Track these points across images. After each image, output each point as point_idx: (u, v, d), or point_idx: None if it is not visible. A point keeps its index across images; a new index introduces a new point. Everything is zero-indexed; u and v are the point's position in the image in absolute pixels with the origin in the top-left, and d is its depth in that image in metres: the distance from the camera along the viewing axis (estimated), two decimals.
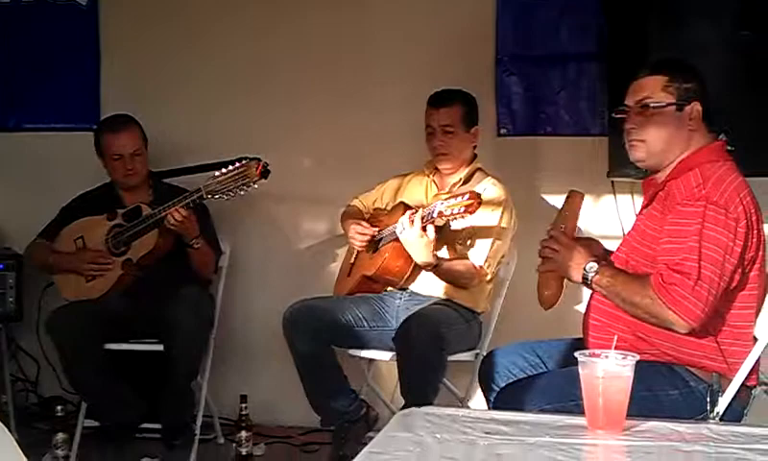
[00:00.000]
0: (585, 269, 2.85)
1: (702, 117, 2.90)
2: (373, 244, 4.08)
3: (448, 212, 3.59)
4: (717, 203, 2.72)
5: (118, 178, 4.31)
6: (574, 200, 3.08)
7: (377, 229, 4.06)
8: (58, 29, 4.93)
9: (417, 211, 3.72)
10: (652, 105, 2.91)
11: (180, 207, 3.98)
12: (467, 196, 3.56)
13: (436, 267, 3.80)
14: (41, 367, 4.81)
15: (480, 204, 3.56)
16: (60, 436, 4.09)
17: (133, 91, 4.79)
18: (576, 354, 2.32)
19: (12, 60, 4.98)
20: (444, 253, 3.89)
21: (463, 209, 3.55)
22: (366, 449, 2.14)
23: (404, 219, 3.73)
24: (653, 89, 2.93)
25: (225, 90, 4.82)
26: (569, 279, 2.95)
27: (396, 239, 3.87)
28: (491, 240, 3.89)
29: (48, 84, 4.96)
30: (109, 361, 4.06)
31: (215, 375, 4.43)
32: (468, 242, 3.91)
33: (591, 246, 3.05)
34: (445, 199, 3.66)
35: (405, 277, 3.98)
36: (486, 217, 3.88)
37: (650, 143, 2.93)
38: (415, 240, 3.70)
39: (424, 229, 3.67)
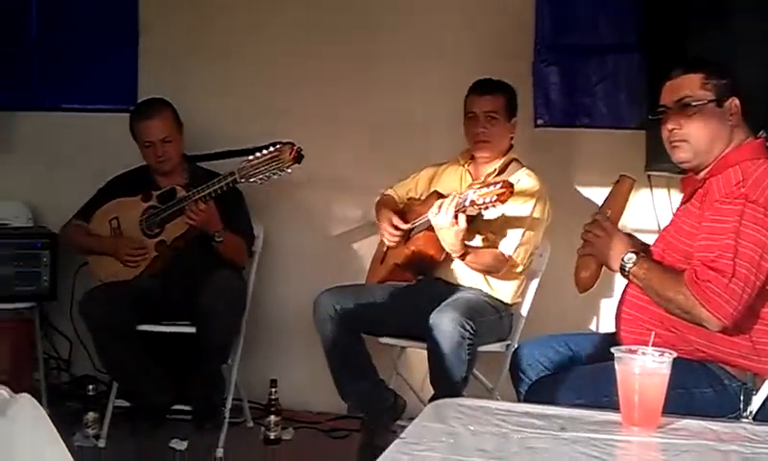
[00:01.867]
0: (623, 259, 2.86)
1: (744, 111, 2.87)
2: (406, 233, 4.07)
3: (480, 201, 3.58)
4: (756, 201, 2.70)
5: (152, 163, 4.33)
6: (623, 185, 3.05)
7: (410, 223, 4.05)
8: (96, 9, 4.95)
9: (451, 198, 3.71)
10: (693, 103, 2.89)
11: (198, 199, 3.99)
12: (499, 185, 3.56)
13: (464, 255, 3.80)
14: (74, 346, 4.84)
15: (512, 193, 3.55)
16: (91, 415, 4.16)
17: (171, 73, 4.81)
18: (613, 350, 2.31)
19: (49, 41, 4.99)
20: (476, 241, 3.88)
21: (495, 198, 3.54)
22: (399, 440, 2.13)
23: (438, 204, 3.73)
24: (691, 87, 2.91)
25: (261, 74, 4.84)
26: (607, 267, 2.94)
27: (429, 227, 3.87)
28: (522, 230, 3.88)
29: (85, 65, 4.98)
30: (142, 342, 4.07)
31: (245, 358, 4.43)
32: (501, 232, 3.89)
33: (633, 238, 3.03)
34: (478, 188, 3.66)
35: (437, 264, 3.98)
36: (519, 208, 3.86)
37: (694, 142, 2.91)
38: (446, 227, 3.70)
39: (456, 217, 3.67)
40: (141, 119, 4.30)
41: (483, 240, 3.90)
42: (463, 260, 3.83)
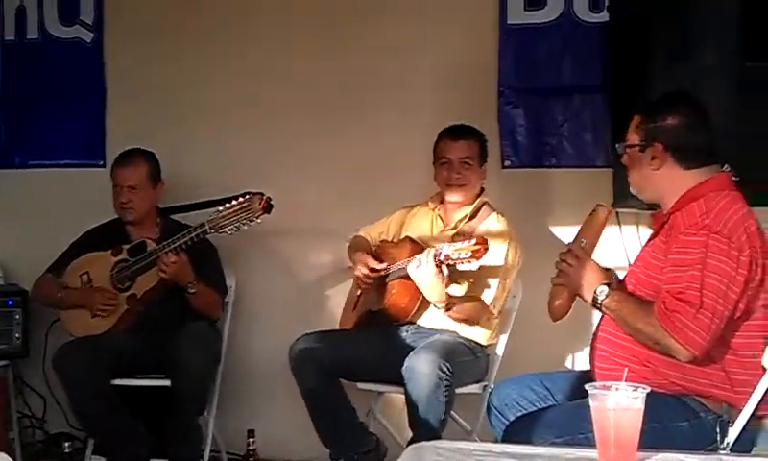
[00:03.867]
0: (596, 291, 2.88)
1: (675, 155, 2.92)
2: (381, 276, 4.08)
3: (455, 256, 3.60)
4: (720, 232, 2.73)
5: (115, 209, 4.34)
6: (598, 215, 3.08)
7: (385, 264, 4.06)
8: (63, 66, 4.95)
9: (427, 253, 3.72)
10: (625, 145, 3.02)
11: (168, 252, 4.00)
12: (473, 241, 3.58)
13: (448, 307, 3.81)
14: (48, 403, 4.79)
15: (487, 249, 3.57)
16: None
17: (138, 128, 4.80)
18: (587, 387, 2.31)
19: (17, 98, 5.00)
20: (451, 290, 3.87)
21: (470, 254, 3.56)
22: None
23: (421, 257, 3.73)
24: (630, 130, 3.02)
25: (228, 126, 4.84)
26: (580, 297, 2.96)
27: (404, 276, 3.88)
28: (497, 281, 3.90)
29: (54, 122, 4.98)
30: (116, 397, 4.04)
31: (222, 409, 4.42)
32: (476, 281, 3.91)
33: (607, 270, 3.05)
34: (452, 243, 3.68)
35: (412, 313, 3.99)
36: (491, 255, 3.87)
37: (631, 181, 3.06)
38: (429, 278, 3.70)
39: (439, 268, 3.67)
40: (115, 164, 4.34)
41: (464, 289, 3.91)
42: (447, 312, 3.83)
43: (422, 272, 3.70)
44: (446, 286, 3.76)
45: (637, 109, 3.04)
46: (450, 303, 3.80)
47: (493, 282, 3.89)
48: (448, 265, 3.67)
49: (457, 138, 4.05)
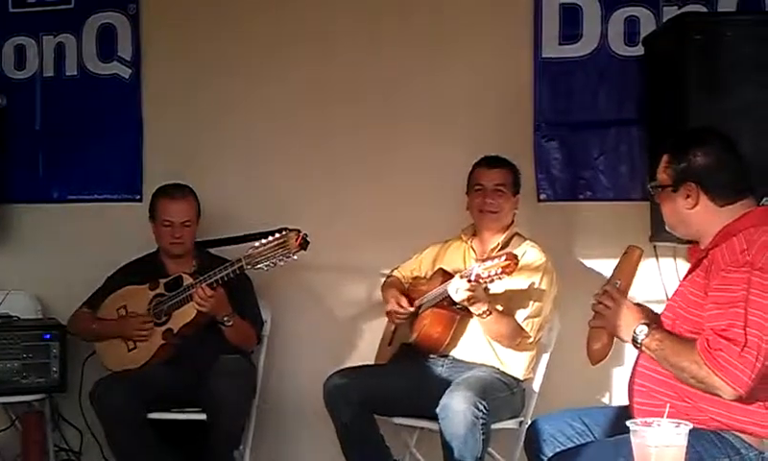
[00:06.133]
0: (635, 331, 2.86)
1: (709, 192, 2.90)
2: (414, 312, 4.07)
3: (485, 275, 3.61)
4: (763, 268, 2.70)
5: (164, 244, 4.37)
6: (632, 255, 3.08)
7: (417, 300, 4.06)
8: (101, 102, 4.99)
9: (460, 275, 3.72)
10: (656, 185, 3.02)
11: (204, 286, 4.03)
12: (503, 257, 3.59)
13: (489, 312, 3.78)
14: (84, 437, 4.80)
15: (517, 264, 3.59)
16: None
17: (175, 163, 4.83)
18: (628, 423, 2.30)
19: (56, 133, 5.04)
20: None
21: (500, 271, 3.57)
22: None
23: (452, 281, 3.74)
24: (660, 168, 3.01)
25: (266, 161, 4.86)
26: (618, 338, 2.95)
27: (436, 305, 3.90)
28: (531, 301, 3.90)
29: (91, 156, 5.01)
30: (152, 430, 4.05)
31: (257, 444, 4.43)
32: (509, 305, 3.90)
33: (643, 308, 3.03)
34: (482, 261, 3.68)
35: (446, 343, 3.98)
36: (526, 281, 3.89)
37: (665, 220, 3.05)
38: (470, 293, 3.69)
39: (476, 281, 3.66)
40: (167, 198, 4.37)
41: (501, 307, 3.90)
42: (486, 317, 3.79)
43: (461, 293, 3.69)
44: (489, 299, 3.76)
45: (665, 148, 3.02)
46: (491, 308, 3.78)
47: (528, 304, 3.89)
48: (482, 283, 3.67)
49: (491, 166, 4.10)
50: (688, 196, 2.91)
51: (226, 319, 4.13)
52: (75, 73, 5.02)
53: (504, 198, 4.07)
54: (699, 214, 2.91)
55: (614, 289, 2.98)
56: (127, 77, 4.97)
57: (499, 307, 3.84)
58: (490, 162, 4.11)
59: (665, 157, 2.98)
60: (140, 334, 4.22)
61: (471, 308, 3.79)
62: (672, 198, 2.95)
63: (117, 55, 4.97)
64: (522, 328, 3.89)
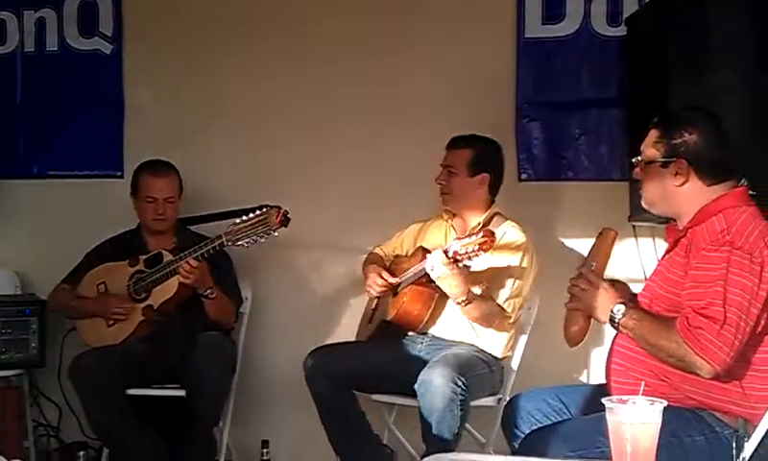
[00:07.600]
0: (612, 311, 2.88)
1: (699, 171, 2.90)
2: (393, 289, 4.08)
3: (463, 251, 3.62)
4: (742, 248, 2.72)
5: (147, 220, 4.36)
6: (606, 237, 3.10)
7: (397, 278, 4.06)
8: (82, 77, 4.97)
9: (436, 252, 3.73)
10: (642, 160, 3.00)
11: (190, 259, 4.03)
12: (480, 234, 3.60)
13: (468, 301, 3.79)
14: (63, 412, 4.79)
15: (494, 241, 3.60)
16: None
17: (156, 139, 4.82)
18: (603, 400, 2.31)
19: (36, 109, 5.02)
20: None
21: (477, 247, 3.58)
22: None
23: (430, 257, 3.74)
24: (647, 144, 3.00)
25: (245, 138, 4.86)
26: (596, 319, 2.96)
27: (416, 282, 3.90)
28: (512, 280, 3.90)
29: (72, 132, 5.00)
30: (131, 406, 4.05)
31: (237, 420, 4.43)
32: (491, 283, 3.91)
33: (619, 287, 3.05)
34: (460, 239, 3.69)
35: (424, 320, 3.99)
36: (507, 259, 3.89)
37: (645, 195, 3.04)
38: (448, 275, 3.70)
39: (451, 263, 3.67)
40: (150, 174, 4.36)
41: (480, 291, 3.89)
42: (465, 306, 3.80)
43: (438, 269, 3.70)
44: (466, 280, 3.74)
45: (655, 124, 3.02)
46: (470, 297, 3.78)
47: (509, 283, 3.90)
48: (460, 260, 3.66)
49: (448, 147, 4.12)
50: (677, 173, 2.91)
51: (209, 291, 4.13)
52: (56, 48, 5.00)
53: (454, 178, 4.06)
54: (686, 192, 2.92)
55: (590, 271, 3.00)
56: (108, 52, 4.96)
57: (477, 291, 3.83)
58: (451, 142, 4.12)
59: (655, 133, 2.98)
60: (118, 314, 4.22)
61: (450, 296, 3.80)
62: (660, 173, 2.95)
63: (98, 30, 4.95)
64: (502, 309, 3.89)
